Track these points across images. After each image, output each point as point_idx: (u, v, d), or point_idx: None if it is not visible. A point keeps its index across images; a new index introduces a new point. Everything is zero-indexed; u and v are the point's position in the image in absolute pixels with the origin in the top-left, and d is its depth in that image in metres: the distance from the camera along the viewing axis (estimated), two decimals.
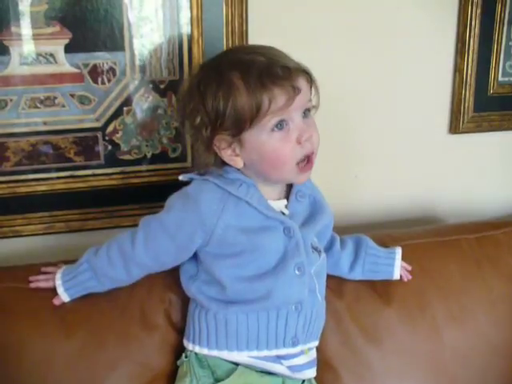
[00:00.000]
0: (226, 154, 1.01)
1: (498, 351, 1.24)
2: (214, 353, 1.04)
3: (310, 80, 1.01)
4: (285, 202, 1.06)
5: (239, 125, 0.96)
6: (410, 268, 1.23)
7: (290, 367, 1.05)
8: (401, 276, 1.21)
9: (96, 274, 1.06)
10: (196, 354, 1.05)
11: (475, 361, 1.23)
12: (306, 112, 1.00)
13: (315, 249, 1.08)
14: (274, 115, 0.95)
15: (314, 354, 1.10)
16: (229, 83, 0.96)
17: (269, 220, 1.02)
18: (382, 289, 1.21)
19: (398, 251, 1.21)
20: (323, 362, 1.14)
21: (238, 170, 1.03)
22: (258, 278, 1.01)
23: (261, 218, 1.01)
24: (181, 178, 1.05)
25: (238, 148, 1.00)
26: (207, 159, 1.03)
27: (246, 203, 1.00)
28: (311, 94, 1.02)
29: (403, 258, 1.21)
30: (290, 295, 1.03)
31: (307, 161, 1.00)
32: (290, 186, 1.08)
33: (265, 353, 1.03)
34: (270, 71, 0.95)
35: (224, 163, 1.03)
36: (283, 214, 1.05)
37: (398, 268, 1.20)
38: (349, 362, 1.17)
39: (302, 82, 0.98)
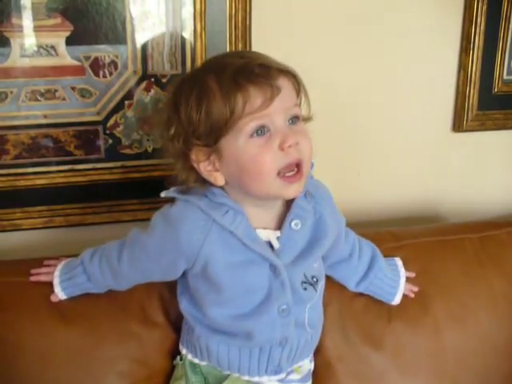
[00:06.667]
0: (206, 170, 0.92)
1: (499, 352, 1.23)
2: (204, 362, 1.03)
3: (297, 84, 0.92)
4: (277, 233, 0.96)
5: (214, 131, 0.88)
6: (413, 275, 1.20)
7: (282, 380, 1.03)
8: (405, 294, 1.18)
9: (90, 279, 1.05)
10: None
11: (476, 362, 1.22)
12: (294, 119, 0.91)
13: (309, 282, 1.00)
14: (251, 118, 0.87)
15: (307, 368, 1.08)
16: (203, 86, 0.89)
17: (254, 253, 0.93)
18: None
19: (403, 276, 1.17)
20: (323, 362, 1.14)
21: (225, 192, 0.94)
22: (240, 318, 0.96)
23: (246, 251, 0.93)
24: (163, 195, 0.97)
25: (218, 160, 0.91)
26: (186, 176, 0.95)
27: (231, 233, 0.92)
28: (299, 99, 0.93)
29: (405, 258, 1.20)
30: (273, 335, 0.97)
31: (297, 170, 0.90)
32: (287, 213, 0.97)
33: (247, 378, 1.01)
34: (246, 69, 0.87)
35: (205, 181, 0.94)
36: (272, 246, 0.95)
37: (399, 295, 1.17)
38: (348, 361, 1.17)
39: (283, 83, 0.89)
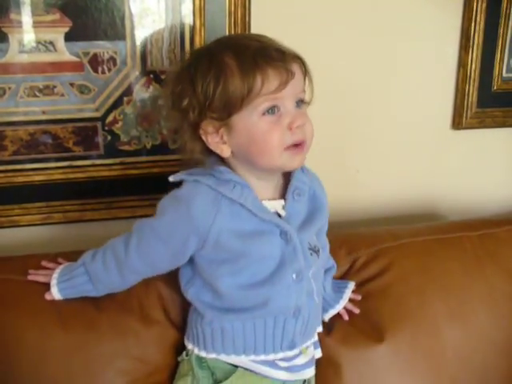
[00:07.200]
0: (213, 141, 0.97)
1: (499, 350, 1.23)
2: (213, 355, 1.03)
3: (304, 69, 0.98)
4: (282, 202, 1.02)
5: (229, 107, 0.93)
6: (359, 298, 1.19)
7: (288, 368, 1.04)
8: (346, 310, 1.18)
9: (91, 279, 1.05)
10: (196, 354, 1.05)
11: (476, 359, 1.22)
12: (299, 103, 0.97)
13: (313, 249, 1.04)
14: (266, 98, 0.93)
15: (312, 352, 1.09)
16: (221, 63, 0.93)
17: (264, 223, 0.98)
18: (383, 286, 1.20)
19: (345, 299, 1.17)
20: (325, 359, 1.13)
21: (230, 169, 0.99)
22: (255, 286, 0.98)
23: (256, 221, 0.97)
24: (171, 179, 1.01)
25: (226, 134, 0.96)
26: (192, 146, 1.00)
27: (240, 205, 0.96)
28: (305, 84, 0.99)
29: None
30: (288, 303, 1.00)
31: (299, 145, 0.96)
32: (286, 185, 1.04)
33: (262, 357, 1.02)
34: (265, 52, 0.93)
35: (210, 153, 1.00)
36: (279, 215, 1.01)
37: (328, 316, 1.17)
38: (350, 359, 1.16)
39: (296, 68, 0.95)
